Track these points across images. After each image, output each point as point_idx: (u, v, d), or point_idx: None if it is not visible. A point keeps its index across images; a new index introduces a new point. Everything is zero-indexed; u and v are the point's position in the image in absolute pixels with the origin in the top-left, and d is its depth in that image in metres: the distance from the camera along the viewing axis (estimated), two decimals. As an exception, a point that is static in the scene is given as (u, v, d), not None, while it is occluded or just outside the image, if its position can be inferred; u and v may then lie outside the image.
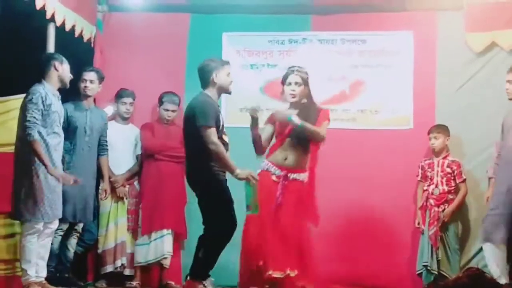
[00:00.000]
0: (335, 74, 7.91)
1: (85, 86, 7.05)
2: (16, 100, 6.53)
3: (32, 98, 6.07)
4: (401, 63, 7.86)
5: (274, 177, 6.23)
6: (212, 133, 5.95)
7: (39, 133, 6.03)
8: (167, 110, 7.55)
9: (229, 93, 6.46)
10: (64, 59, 6.35)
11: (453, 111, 7.48)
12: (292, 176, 6.20)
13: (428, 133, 7.40)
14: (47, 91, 6.15)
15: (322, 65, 7.87)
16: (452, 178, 7.24)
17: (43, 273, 6.26)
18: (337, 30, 8.00)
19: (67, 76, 6.34)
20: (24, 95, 6.23)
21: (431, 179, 7.32)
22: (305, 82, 6.34)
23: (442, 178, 7.26)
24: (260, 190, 6.03)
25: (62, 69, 6.29)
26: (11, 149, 6.36)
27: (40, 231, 6.11)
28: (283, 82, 6.38)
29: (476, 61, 7.65)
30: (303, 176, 6.24)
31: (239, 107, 7.97)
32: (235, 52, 8.07)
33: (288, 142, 6.27)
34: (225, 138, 6.43)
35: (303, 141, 6.23)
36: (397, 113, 7.80)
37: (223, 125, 6.30)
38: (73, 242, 7.11)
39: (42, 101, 6.06)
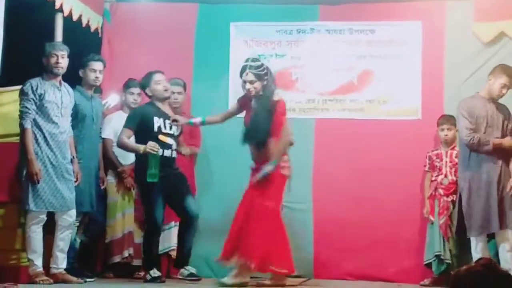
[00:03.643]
0: (343, 64, 7.87)
1: (96, 77, 6.98)
2: (13, 92, 6.56)
3: (23, 89, 6.23)
4: (410, 53, 7.82)
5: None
6: (122, 132, 6.79)
7: (35, 121, 6.11)
8: (173, 92, 7.47)
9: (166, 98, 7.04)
10: (59, 47, 6.37)
11: (462, 101, 7.42)
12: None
13: (438, 124, 7.40)
14: (41, 82, 6.17)
15: (330, 55, 7.87)
16: None
17: (63, 264, 6.33)
18: (345, 20, 7.95)
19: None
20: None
21: (440, 169, 7.31)
22: (259, 77, 6.50)
23: (451, 168, 7.26)
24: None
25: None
26: (8, 140, 6.46)
27: (43, 220, 6.12)
28: (240, 76, 6.59)
29: (485, 51, 7.60)
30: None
31: (248, 98, 7.96)
32: (243, 42, 8.05)
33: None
34: (166, 139, 6.83)
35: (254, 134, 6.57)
36: (405, 104, 7.76)
37: (159, 127, 6.82)
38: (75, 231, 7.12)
39: (33, 91, 6.16)
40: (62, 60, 6.29)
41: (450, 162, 7.29)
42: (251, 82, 6.45)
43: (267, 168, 6.37)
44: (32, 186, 6.05)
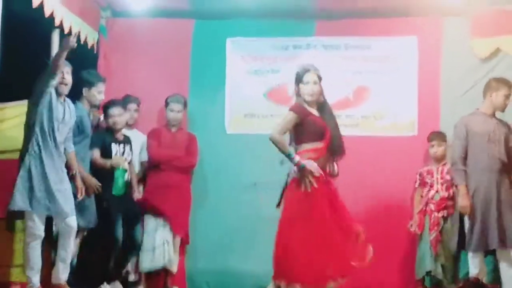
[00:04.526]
0: (339, 80, 7.83)
1: (101, 99, 6.99)
2: (13, 108, 6.55)
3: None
4: (406, 69, 7.83)
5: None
6: (93, 152, 6.94)
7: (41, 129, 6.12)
8: (173, 110, 7.54)
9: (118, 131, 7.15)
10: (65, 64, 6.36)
11: (457, 117, 7.27)
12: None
13: (429, 140, 7.42)
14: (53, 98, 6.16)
15: (326, 71, 7.77)
16: (451, 184, 7.22)
17: (65, 275, 6.26)
18: (341, 36, 7.96)
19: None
20: (23, 101, 6.27)
21: (431, 186, 7.33)
22: (320, 80, 6.21)
23: (442, 184, 7.27)
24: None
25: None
26: (7, 156, 6.43)
27: (41, 236, 6.08)
28: (299, 81, 6.16)
29: (481, 67, 7.61)
30: None
31: (244, 113, 7.97)
32: (239, 57, 8.06)
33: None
34: (123, 165, 7.01)
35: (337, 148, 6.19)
36: (402, 119, 7.77)
37: (116, 153, 7.04)
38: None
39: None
40: (67, 76, 6.28)
41: (441, 178, 7.29)
42: (315, 83, 6.12)
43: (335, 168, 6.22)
44: (27, 187, 6.00)
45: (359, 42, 7.93)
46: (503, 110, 6.95)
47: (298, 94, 6.16)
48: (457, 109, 7.43)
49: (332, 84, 7.76)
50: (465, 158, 6.84)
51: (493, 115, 6.95)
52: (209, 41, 8.08)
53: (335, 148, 6.07)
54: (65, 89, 6.31)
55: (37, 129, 6.04)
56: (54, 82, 6.09)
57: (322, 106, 6.15)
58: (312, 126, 5.99)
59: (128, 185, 7.13)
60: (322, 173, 5.91)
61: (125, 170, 6.98)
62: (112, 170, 6.89)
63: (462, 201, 6.77)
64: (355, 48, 7.92)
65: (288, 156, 5.93)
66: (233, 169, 7.83)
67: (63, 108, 6.25)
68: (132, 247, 7.11)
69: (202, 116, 7.95)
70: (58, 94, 6.20)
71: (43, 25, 6.85)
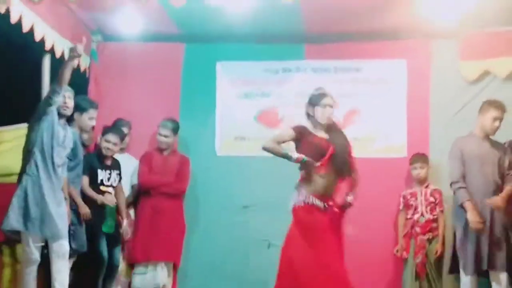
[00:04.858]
0: (329, 103, 7.86)
1: (93, 125, 7.05)
2: (5, 132, 6.55)
3: None
4: (395, 92, 7.86)
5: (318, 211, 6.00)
6: (83, 179, 6.91)
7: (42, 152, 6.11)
8: (161, 135, 7.59)
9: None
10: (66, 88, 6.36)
11: (447, 139, 7.29)
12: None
13: (411, 163, 7.45)
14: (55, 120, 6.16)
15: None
16: (435, 206, 7.26)
17: None
18: (330, 59, 7.99)
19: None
20: (16, 125, 6.27)
21: (415, 208, 7.32)
22: (334, 105, 6.22)
23: (426, 206, 7.28)
24: (306, 226, 5.97)
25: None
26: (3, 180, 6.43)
27: (37, 261, 6.03)
28: (315, 104, 6.16)
29: (470, 90, 7.65)
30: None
31: (234, 136, 8.00)
32: (230, 81, 8.09)
33: (328, 170, 6.03)
34: (107, 190, 7.08)
35: (341, 168, 6.10)
36: (391, 142, 7.80)
37: (102, 179, 7.08)
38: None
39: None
40: (69, 100, 6.29)
41: (426, 200, 7.30)
42: (331, 106, 6.15)
43: (350, 198, 6.06)
44: (22, 207, 5.94)
45: (348, 65, 7.97)
46: (492, 134, 6.91)
47: (311, 115, 6.19)
48: (446, 131, 7.48)
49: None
50: (463, 177, 6.79)
51: (487, 137, 6.92)
52: (199, 64, 8.12)
53: (337, 168, 6.01)
54: (67, 112, 6.32)
55: (36, 151, 6.00)
56: (58, 99, 6.07)
57: (330, 126, 6.16)
58: (311, 146, 6.00)
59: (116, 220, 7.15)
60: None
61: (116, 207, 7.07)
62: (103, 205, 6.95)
63: (472, 217, 6.60)
64: (344, 71, 7.95)
65: (286, 156, 5.94)
66: (224, 192, 7.84)
67: (64, 132, 6.25)
68: (112, 266, 7.10)
69: (193, 139, 7.99)
70: (60, 117, 6.21)
71: (34, 50, 6.87)
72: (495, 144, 6.94)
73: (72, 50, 6.01)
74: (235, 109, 8.03)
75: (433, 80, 7.78)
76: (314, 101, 6.17)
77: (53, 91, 6.04)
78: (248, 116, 8.02)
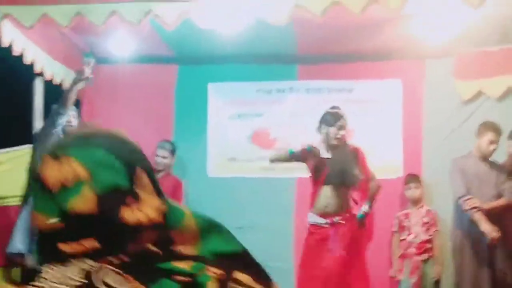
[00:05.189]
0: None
1: None
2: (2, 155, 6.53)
3: None
4: (390, 112, 7.85)
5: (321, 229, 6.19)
6: None
7: None
8: (159, 156, 7.54)
9: None
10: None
11: (440, 159, 7.34)
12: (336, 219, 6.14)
13: (406, 183, 7.43)
14: None
15: (310, 114, 7.83)
16: (429, 227, 7.23)
17: None
18: (324, 79, 7.98)
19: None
20: (9, 149, 6.25)
21: (410, 229, 7.29)
22: (347, 125, 6.36)
23: (421, 227, 7.24)
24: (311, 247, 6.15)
25: None
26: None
27: None
28: (330, 124, 6.27)
29: (464, 110, 7.62)
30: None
31: (227, 157, 7.97)
32: (222, 102, 8.08)
33: (326, 188, 6.20)
34: None
35: (341, 184, 6.19)
36: (387, 162, 7.72)
37: None
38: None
39: None
40: (73, 119, 6.28)
41: (420, 221, 7.27)
42: (344, 128, 6.27)
43: (365, 208, 6.21)
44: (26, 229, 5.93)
45: (342, 85, 7.95)
46: (489, 156, 6.88)
47: (323, 132, 6.30)
48: (439, 151, 7.46)
49: (315, 127, 7.85)
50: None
51: (486, 158, 6.90)
52: (192, 86, 8.11)
53: (338, 183, 6.13)
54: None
55: None
56: (63, 120, 6.05)
57: (335, 145, 6.27)
58: (310, 167, 6.29)
59: None
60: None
61: None
62: None
63: (485, 227, 6.53)
64: (338, 92, 7.93)
65: (291, 154, 6.20)
66: (217, 213, 7.62)
67: None
68: None
69: (187, 160, 7.95)
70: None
71: (25, 73, 6.87)
72: (493, 165, 6.92)
73: (78, 73, 6.01)
74: (228, 130, 8.01)
75: (427, 100, 7.74)
76: (328, 121, 6.26)
77: (57, 113, 6.05)
78: (241, 137, 8.00)
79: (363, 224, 6.21)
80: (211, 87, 8.10)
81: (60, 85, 7.32)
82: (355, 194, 6.32)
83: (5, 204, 6.30)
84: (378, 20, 6.53)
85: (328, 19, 5.71)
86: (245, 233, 7.47)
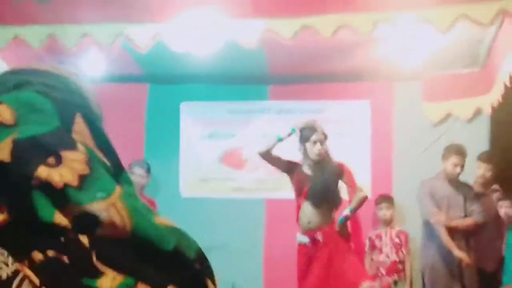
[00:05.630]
0: (294, 144, 7.86)
1: None
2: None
3: None
4: (359, 133, 7.90)
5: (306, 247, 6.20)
6: None
7: None
8: (135, 174, 7.40)
9: None
10: None
11: (411, 180, 7.35)
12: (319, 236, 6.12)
13: (377, 203, 7.46)
14: None
15: (281, 135, 7.88)
16: (400, 248, 7.28)
17: None
18: (295, 100, 8.02)
19: None
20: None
21: (381, 249, 7.33)
22: (326, 139, 6.30)
23: (392, 248, 7.29)
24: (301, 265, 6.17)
25: None
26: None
27: None
28: (305, 140, 6.25)
29: (433, 131, 7.69)
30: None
31: (198, 177, 7.96)
32: (193, 121, 8.08)
33: (307, 204, 6.19)
34: None
35: (323, 199, 6.18)
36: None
37: None
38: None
39: None
40: None
41: (391, 241, 7.30)
42: (322, 143, 6.22)
43: (346, 211, 6.19)
44: None
45: (312, 106, 7.99)
46: (456, 178, 6.93)
47: (302, 149, 6.30)
48: (410, 172, 7.51)
49: (286, 148, 7.87)
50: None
51: (451, 180, 6.95)
52: (163, 105, 8.10)
53: (320, 201, 6.12)
54: None
55: None
56: None
57: (318, 161, 6.24)
58: (294, 183, 6.30)
59: None
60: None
61: None
62: None
63: (457, 253, 6.62)
64: (309, 112, 7.90)
65: (279, 140, 6.30)
66: (189, 234, 7.76)
67: None
68: None
69: (158, 180, 7.91)
70: None
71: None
72: (461, 186, 6.97)
73: None
74: (199, 150, 8.01)
75: (396, 121, 7.82)
76: (303, 136, 6.26)
77: None
78: (212, 157, 8.01)
79: (344, 229, 6.21)
80: (183, 107, 8.10)
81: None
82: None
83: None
84: (349, 43, 6.59)
85: (299, 42, 5.76)
86: (216, 254, 7.57)
